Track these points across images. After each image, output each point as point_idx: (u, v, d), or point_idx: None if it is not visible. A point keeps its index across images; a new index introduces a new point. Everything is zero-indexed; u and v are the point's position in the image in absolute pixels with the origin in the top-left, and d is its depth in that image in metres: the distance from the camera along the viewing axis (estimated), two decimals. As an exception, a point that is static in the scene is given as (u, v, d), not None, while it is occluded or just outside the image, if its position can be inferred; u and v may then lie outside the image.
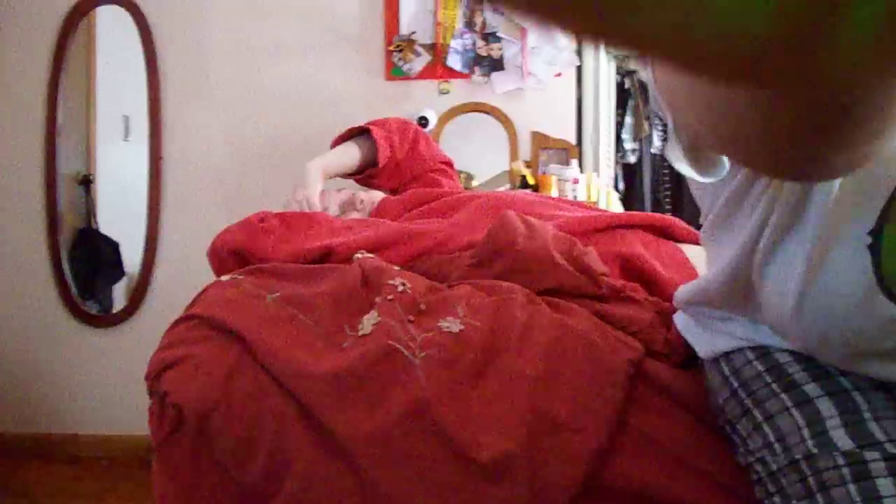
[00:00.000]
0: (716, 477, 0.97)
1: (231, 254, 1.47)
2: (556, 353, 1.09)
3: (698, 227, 1.73)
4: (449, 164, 2.18)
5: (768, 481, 0.85)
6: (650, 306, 1.30)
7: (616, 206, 3.08)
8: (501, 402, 1.02)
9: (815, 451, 0.78)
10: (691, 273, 1.48)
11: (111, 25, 3.36)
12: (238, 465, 1.08)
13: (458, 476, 0.97)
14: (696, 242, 1.62)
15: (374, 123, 2.05)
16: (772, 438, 0.84)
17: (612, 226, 1.59)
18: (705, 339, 1.02)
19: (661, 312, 1.28)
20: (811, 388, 0.83)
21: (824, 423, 0.79)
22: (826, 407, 0.81)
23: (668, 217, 1.67)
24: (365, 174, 2.07)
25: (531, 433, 0.99)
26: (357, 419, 1.01)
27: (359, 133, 2.06)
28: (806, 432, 0.80)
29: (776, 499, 0.83)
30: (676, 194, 4.15)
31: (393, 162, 2.02)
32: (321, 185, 1.90)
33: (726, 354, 0.97)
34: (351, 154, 2.02)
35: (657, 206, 4.04)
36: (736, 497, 0.93)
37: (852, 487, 0.74)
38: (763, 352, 0.91)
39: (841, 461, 0.76)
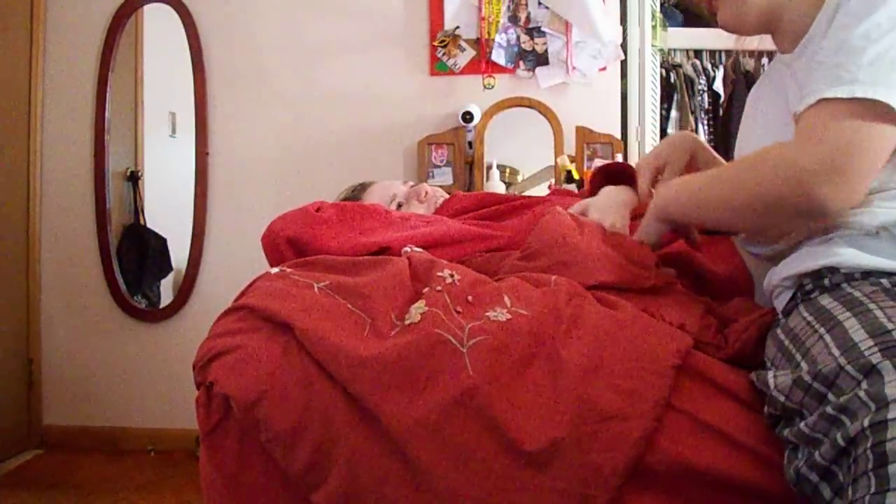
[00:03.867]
0: (764, 456, 0.96)
1: (287, 241, 1.47)
2: (602, 342, 1.08)
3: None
4: None
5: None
6: (700, 299, 1.29)
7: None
8: (548, 391, 1.02)
9: None
10: (740, 266, 1.46)
11: (158, 23, 3.42)
12: (285, 455, 1.08)
13: (504, 463, 0.97)
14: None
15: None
16: None
17: None
18: None
19: (711, 308, 1.27)
20: None
21: None
22: None
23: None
24: None
25: (578, 421, 0.98)
26: (404, 406, 1.01)
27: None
28: None
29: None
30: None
31: None
32: None
33: None
34: None
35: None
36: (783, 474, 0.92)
37: None
38: None
39: None
